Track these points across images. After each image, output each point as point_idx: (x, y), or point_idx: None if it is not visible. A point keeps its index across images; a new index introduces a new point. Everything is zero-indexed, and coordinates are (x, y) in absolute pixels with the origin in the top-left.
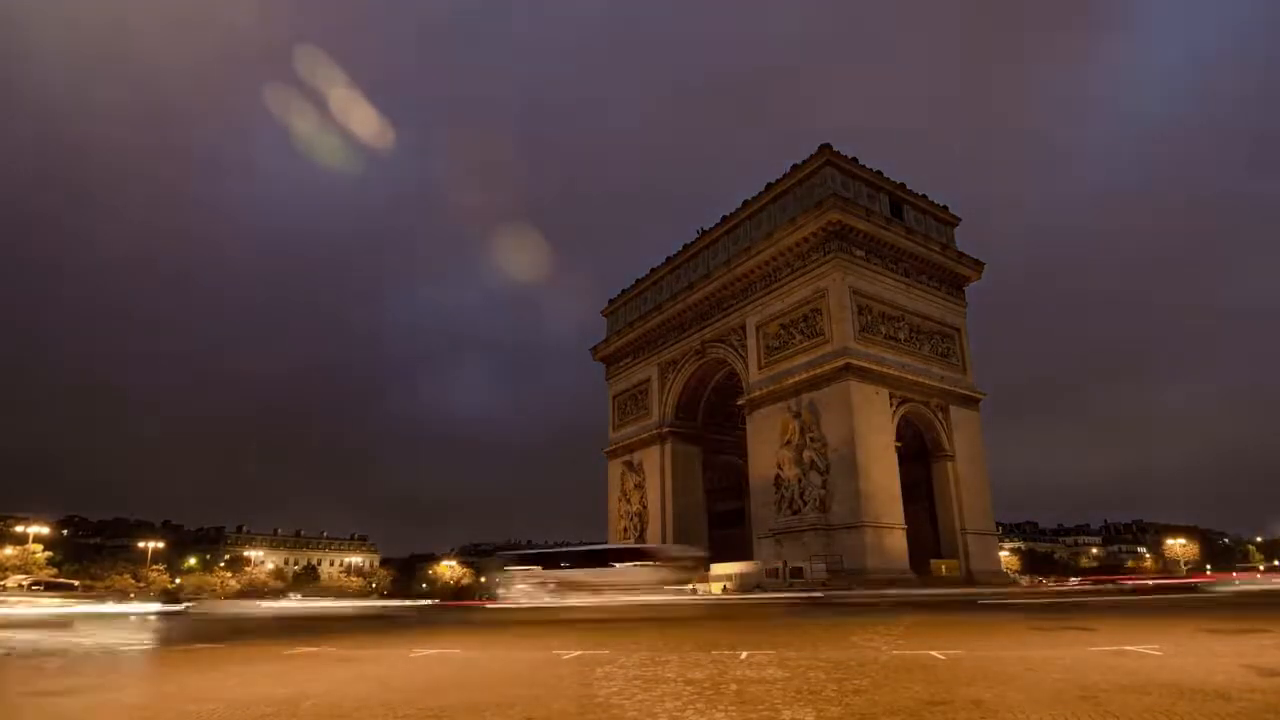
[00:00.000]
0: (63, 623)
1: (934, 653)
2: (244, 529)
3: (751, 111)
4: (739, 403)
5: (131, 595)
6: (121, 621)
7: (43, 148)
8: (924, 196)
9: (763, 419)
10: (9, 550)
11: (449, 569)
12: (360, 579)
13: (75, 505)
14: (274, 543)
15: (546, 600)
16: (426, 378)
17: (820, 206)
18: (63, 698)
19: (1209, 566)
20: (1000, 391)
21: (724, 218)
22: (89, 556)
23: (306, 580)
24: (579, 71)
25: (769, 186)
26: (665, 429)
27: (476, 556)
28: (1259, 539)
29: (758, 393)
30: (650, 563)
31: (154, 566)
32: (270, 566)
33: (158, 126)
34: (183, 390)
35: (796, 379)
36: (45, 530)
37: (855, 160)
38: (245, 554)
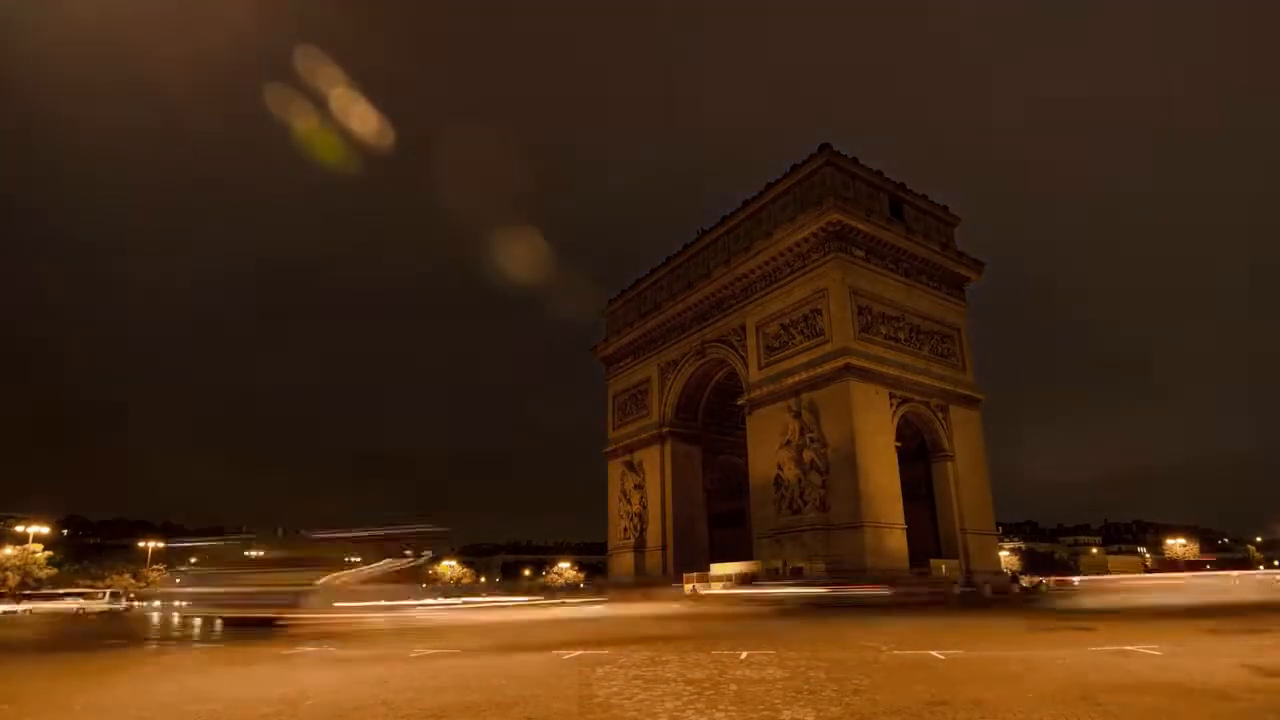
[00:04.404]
0: None
1: (934, 653)
2: (244, 529)
3: (754, 110)
4: (739, 403)
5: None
6: None
7: (42, 148)
8: (924, 196)
9: (763, 419)
10: (9, 550)
11: (449, 569)
12: None
13: (75, 505)
14: (274, 543)
15: None
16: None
17: (820, 206)
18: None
19: (1209, 565)
20: (1001, 391)
21: (724, 218)
22: (89, 556)
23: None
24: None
25: (769, 186)
26: (665, 429)
27: (476, 556)
28: (1259, 539)
29: (758, 393)
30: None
31: (154, 566)
32: None
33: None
34: (183, 390)
35: (796, 379)
36: (45, 530)
37: (855, 160)
38: (245, 554)
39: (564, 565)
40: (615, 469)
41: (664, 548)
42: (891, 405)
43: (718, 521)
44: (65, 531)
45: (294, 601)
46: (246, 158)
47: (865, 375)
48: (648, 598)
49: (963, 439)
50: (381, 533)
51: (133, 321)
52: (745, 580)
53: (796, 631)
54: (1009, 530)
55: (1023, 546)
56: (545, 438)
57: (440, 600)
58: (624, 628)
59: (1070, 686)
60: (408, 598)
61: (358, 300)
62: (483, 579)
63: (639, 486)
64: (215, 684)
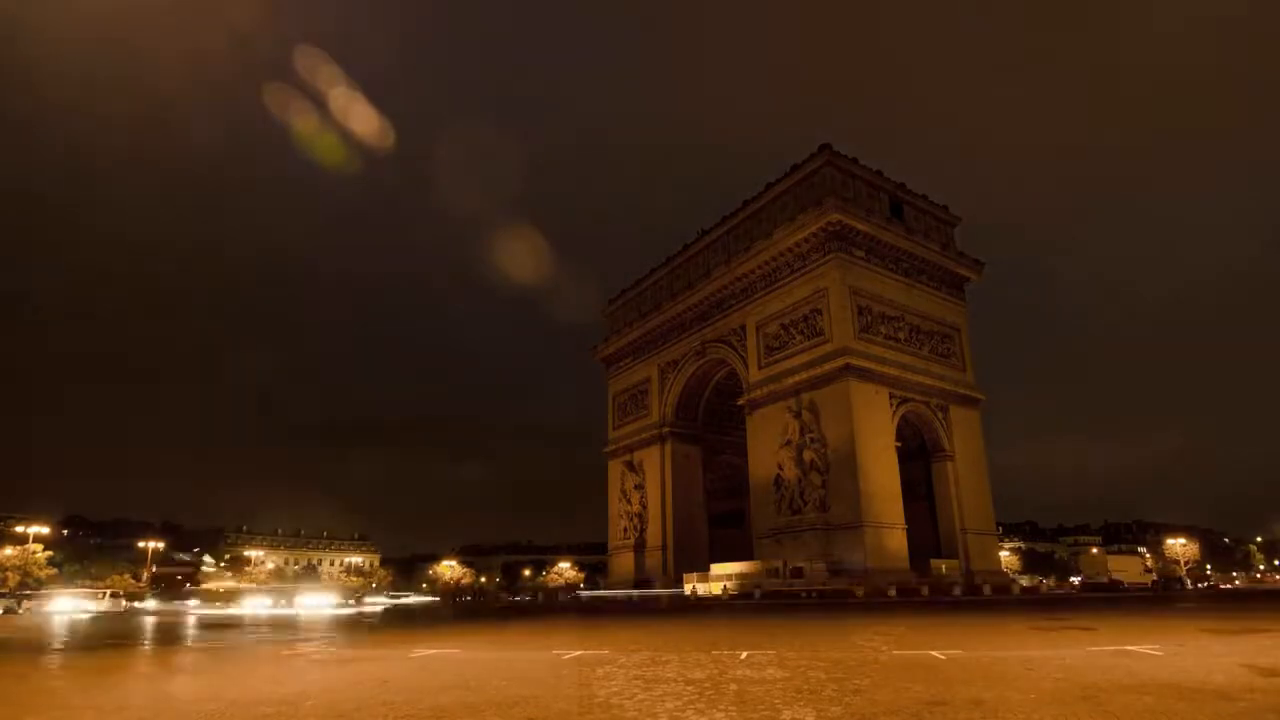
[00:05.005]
0: None
1: (934, 653)
2: (244, 529)
3: (755, 109)
4: (739, 403)
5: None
6: None
7: (41, 147)
8: (924, 196)
9: (763, 419)
10: (9, 550)
11: (449, 569)
12: (360, 578)
13: (75, 505)
14: (274, 542)
15: None
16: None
17: (820, 206)
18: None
19: (1209, 566)
20: (1001, 391)
21: (724, 217)
22: (90, 556)
23: (308, 579)
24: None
25: (769, 186)
26: (665, 429)
27: (476, 557)
28: (1259, 539)
29: (758, 393)
30: None
31: (154, 567)
32: (270, 566)
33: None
34: (183, 390)
35: (796, 379)
36: (45, 530)
37: (855, 160)
38: (245, 554)
39: (564, 565)
40: (615, 469)
41: (664, 547)
42: (891, 405)
43: (718, 521)
44: (65, 531)
45: None
46: (247, 157)
47: (865, 375)
48: None
49: (963, 439)
50: None
51: (133, 320)
52: (746, 582)
53: (797, 631)
54: (1009, 530)
55: (1023, 546)
56: (545, 438)
57: None
58: None
59: (1070, 686)
60: None
61: (357, 299)
62: (482, 578)
63: (639, 486)
64: (215, 684)
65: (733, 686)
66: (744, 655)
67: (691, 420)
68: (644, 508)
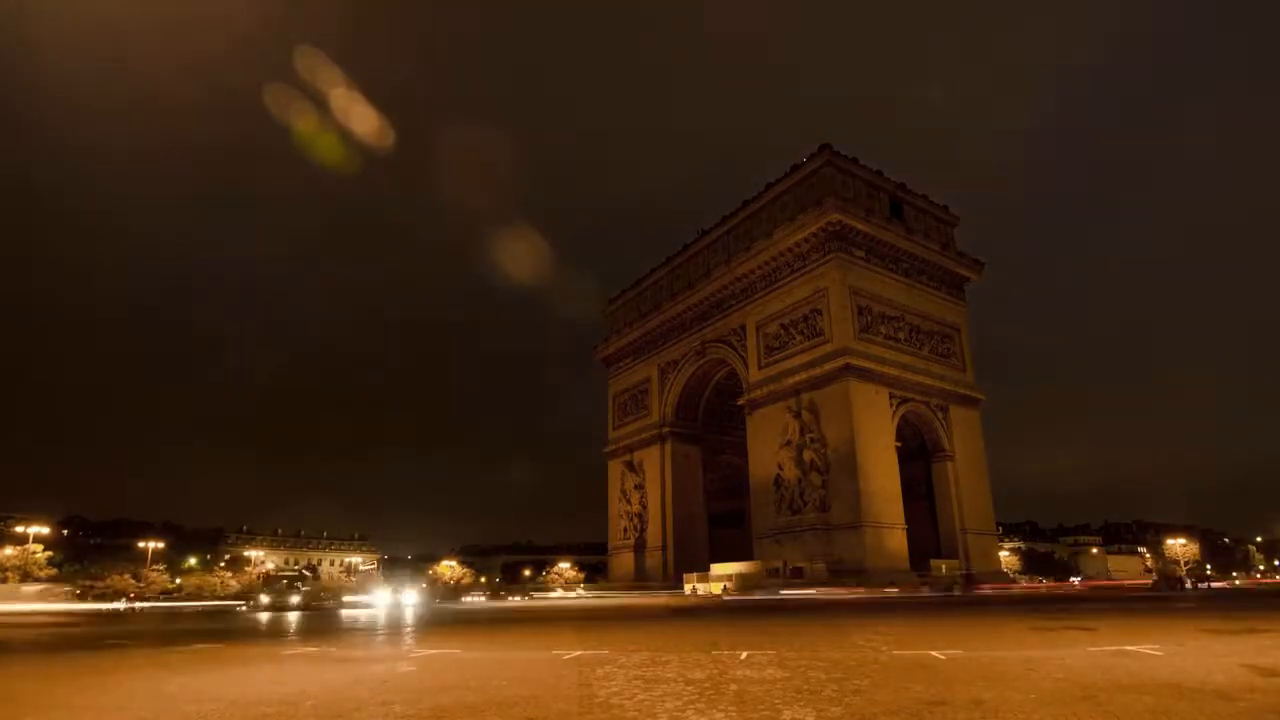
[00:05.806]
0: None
1: (934, 653)
2: (244, 529)
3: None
4: (739, 403)
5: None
6: None
7: (38, 147)
8: (924, 196)
9: (763, 419)
10: (9, 550)
11: (449, 569)
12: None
13: (75, 505)
14: (274, 543)
15: None
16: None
17: (820, 206)
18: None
19: (1209, 566)
20: (1001, 391)
21: (724, 217)
22: (90, 557)
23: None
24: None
25: (769, 186)
26: (665, 429)
27: (476, 557)
28: (1259, 539)
29: (758, 393)
30: None
31: (154, 567)
32: (270, 566)
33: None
34: (184, 388)
35: (796, 379)
36: (45, 530)
37: (855, 160)
38: (245, 554)
39: (564, 565)
40: (615, 469)
41: (664, 547)
42: (891, 405)
43: (718, 521)
44: (65, 531)
45: None
46: (247, 159)
47: (865, 375)
48: None
49: (963, 439)
50: None
51: (133, 321)
52: (745, 582)
53: (797, 631)
54: (1009, 530)
55: (1023, 546)
56: (546, 437)
57: None
58: None
59: (1071, 686)
60: None
61: (358, 300)
62: (482, 579)
63: (639, 486)
64: (215, 684)
65: (733, 686)
66: (744, 655)
67: (691, 420)
68: (644, 508)
